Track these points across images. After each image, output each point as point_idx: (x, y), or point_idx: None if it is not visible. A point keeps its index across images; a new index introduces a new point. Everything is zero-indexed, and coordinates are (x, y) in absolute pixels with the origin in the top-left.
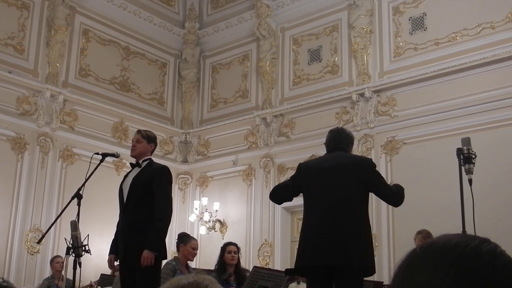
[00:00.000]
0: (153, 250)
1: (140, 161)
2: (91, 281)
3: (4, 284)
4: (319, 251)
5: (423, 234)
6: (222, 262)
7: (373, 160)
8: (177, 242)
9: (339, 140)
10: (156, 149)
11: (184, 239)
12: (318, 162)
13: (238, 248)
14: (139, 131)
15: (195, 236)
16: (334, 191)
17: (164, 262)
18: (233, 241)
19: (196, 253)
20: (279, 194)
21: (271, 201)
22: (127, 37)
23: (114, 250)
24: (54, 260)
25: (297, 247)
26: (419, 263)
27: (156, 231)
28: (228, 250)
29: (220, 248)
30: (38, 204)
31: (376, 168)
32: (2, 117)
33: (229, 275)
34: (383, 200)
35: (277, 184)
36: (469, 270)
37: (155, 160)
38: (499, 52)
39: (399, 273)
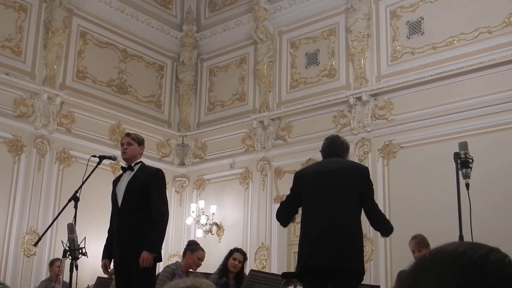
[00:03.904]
0: (152, 251)
1: (132, 164)
2: (88, 285)
3: (1, 286)
4: (316, 253)
5: (418, 240)
6: (225, 265)
7: (370, 164)
8: (184, 249)
9: (334, 146)
10: (153, 152)
11: (192, 247)
12: (314, 167)
13: (245, 258)
14: (128, 134)
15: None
16: (331, 195)
17: (159, 264)
18: (231, 244)
19: (201, 264)
20: (285, 212)
21: (267, 204)
22: (125, 40)
23: (108, 254)
24: (54, 264)
25: (293, 250)
26: (427, 268)
27: (156, 232)
28: (234, 256)
29: (228, 251)
30: (35, 206)
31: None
32: None
33: (225, 281)
34: (365, 212)
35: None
36: (475, 278)
37: (153, 162)
38: (496, 56)
39: (407, 277)
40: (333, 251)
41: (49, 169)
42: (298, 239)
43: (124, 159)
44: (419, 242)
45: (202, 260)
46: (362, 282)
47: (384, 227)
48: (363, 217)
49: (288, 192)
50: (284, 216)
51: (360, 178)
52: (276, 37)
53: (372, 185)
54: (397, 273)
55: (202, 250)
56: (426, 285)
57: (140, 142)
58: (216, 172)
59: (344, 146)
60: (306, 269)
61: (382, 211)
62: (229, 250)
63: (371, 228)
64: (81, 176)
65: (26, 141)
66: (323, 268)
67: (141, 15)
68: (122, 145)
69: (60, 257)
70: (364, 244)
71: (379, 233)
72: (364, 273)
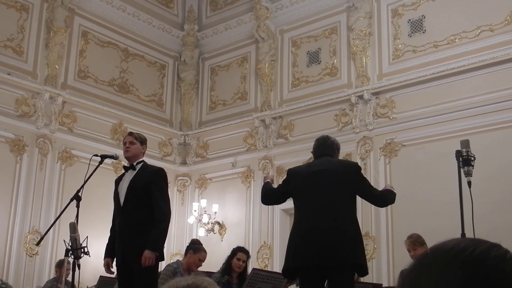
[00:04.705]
0: (154, 250)
1: (134, 164)
2: (87, 287)
3: (3, 286)
4: (313, 252)
5: (412, 239)
6: (228, 265)
7: (372, 163)
8: (187, 247)
9: (325, 147)
10: (155, 151)
11: (195, 246)
12: (307, 167)
13: (248, 256)
14: (131, 133)
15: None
16: (324, 194)
17: (161, 263)
18: (233, 243)
19: (201, 265)
20: (271, 199)
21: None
22: (126, 39)
23: (110, 253)
24: (63, 265)
25: None
26: (427, 265)
27: (158, 231)
28: (238, 257)
29: (230, 251)
30: (37, 206)
31: (362, 171)
32: (1, 119)
33: (228, 279)
34: (369, 202)
35: (266, 187)
36: (476, 273)
37: (155, 161)
38: (498, 54)
39: (409, 274)
40: (329, 250)
41: (51, 169)
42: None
43: (126, 157)
44: (413, 241)
45: (203, 261)
46: (365, 280)
47: (388, 202)
48: (368, 217)
49: (280, 186)
50: (272, 200)
51: (351, 176)
52: (278, 36)
53: (364, 177)
54: (399, 271)
55: (205, 251)
56: (427, 282)
57: (143, 141)
58: (218, 171)
59: (335, 146)
60: (300, 267)
61: (386, 207)
62: (231, 250)
63: (373, 226)
64: (83, 176)
65: (28, 140)
66: (318, 266)
67: (142, 14)
68: (125, 143)
69: (61, 257)
70: (365, 243)
71: (381, 232)
72: (365, 265)
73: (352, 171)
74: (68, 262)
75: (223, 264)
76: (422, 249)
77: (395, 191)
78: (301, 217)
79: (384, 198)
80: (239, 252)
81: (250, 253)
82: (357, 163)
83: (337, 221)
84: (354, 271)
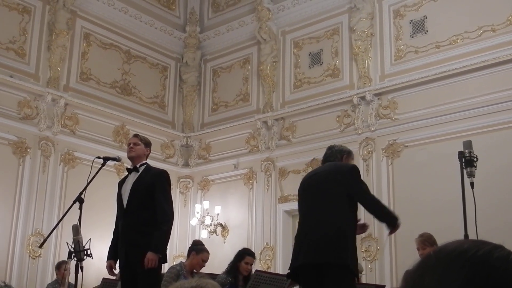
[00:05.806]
0: (157, 252)
1: (138, 166)
2: None
3: None
4: (308, 252)
5: (423, 238)
6: (235, 267)
7: (375, 164)
8: (189, 248)
9: (329, 155)
10: (157, 153)
11: (198, 247)
12: (306, 174)
13: (255, 258)
14: (136, 135)
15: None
16: (314, 197)
17: (164, 265)
18: (236, 245)
19: (204, 266)
20: None
21: (272, 204)
22: (128, 41)
23: (113, 255)
24: (61, 266)
25: None
26: (431, 265)
27: (160, 233)
28: (246, 260)
29: (235, 252)
30: (40, 208)
31: (360, 173)
32: (3, 121)
33: (231, 281)
34: (361, 205)
35: None
36: (479, 274)
37: (157, 163)
38: (500, 55)
39: (413, 274)
40: (322, 249)
41: (54, 171)
42: None
43: (129, 157)
44: (423, 240)
45: (206, 262)
46: (368, 282)
47: (382, 216)
48: (371, 218)
49: (294, 193)
50: None
51: (344, 175)
52: (280, 37)
53: (358, 180)
54: (403, 273)
55: (207, 252)
56: (430, 282)
57: (147, 144)
58: (220, 172)
59: (338, 154)
60: (299, 267)
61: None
62: (238, 252)
63: (376, 228)
64: (85, 178)
65: (30, 143)
66: (309, 265)
67: (144, 16)
68: (129, 144)
69: (66, 259)
70: (368, 244)
71: (384, 233)
72: (350, 265)
73: (346, 170)
74: (65, 262)
75: (228, 266)
76: (431, 249)
77: (397, 217)
78: (300, 221)
79: (376, 202)
80: (247, 256)
81: None
82: (352, 166)
83: (332, 221)
84: (348, 272)
